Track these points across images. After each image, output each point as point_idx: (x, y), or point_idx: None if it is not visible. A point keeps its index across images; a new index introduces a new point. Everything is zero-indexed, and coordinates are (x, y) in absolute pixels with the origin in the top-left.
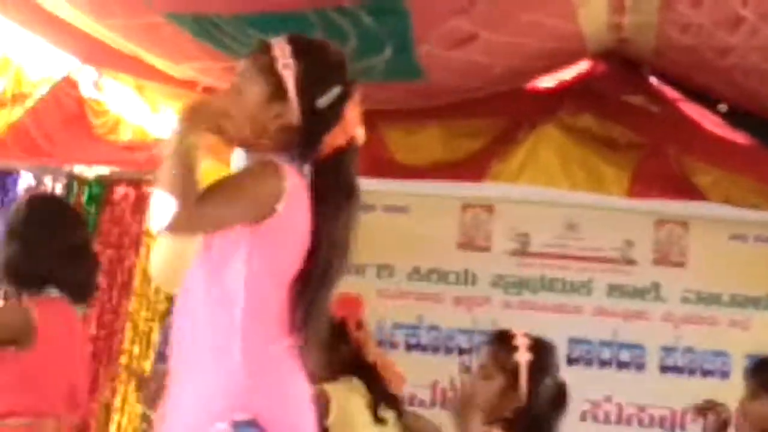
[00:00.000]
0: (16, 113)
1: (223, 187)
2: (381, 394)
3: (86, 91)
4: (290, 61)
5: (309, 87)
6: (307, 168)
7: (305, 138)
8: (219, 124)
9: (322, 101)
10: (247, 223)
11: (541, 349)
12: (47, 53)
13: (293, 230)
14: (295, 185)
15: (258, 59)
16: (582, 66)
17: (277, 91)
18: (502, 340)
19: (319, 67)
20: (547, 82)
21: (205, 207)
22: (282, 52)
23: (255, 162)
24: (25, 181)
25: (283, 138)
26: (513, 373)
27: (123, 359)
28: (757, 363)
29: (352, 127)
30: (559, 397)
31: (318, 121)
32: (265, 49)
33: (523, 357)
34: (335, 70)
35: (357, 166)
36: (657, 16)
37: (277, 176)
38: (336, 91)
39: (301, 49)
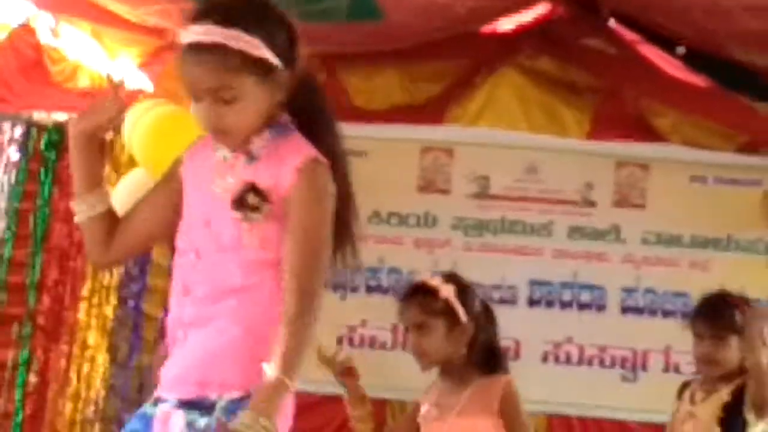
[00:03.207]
0: None
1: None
2: None
3: (44, 38)
4: (253, 39)
5: (279, 42)
6: None
7: (290, 75)
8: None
9: (290, 42)
10: None
11: (454, 277)
12: (3, 0)
13: None
14: None
15: (224, 65)
16: (541, 9)
17: (265, 70)
18: (418, 290)
19: (265, 15)
20: (506, 25)
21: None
22: (236, 38)
23: (308, 181)
24: None
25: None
26: (448, 311)
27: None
28: (707, 307)
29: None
30: (491, 314)
31: (290, 55)
32: (218, 50)
33: (447, 292)
34: (273, 8)
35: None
36: None
37: (328, 176)
38: (290, 24)
39: (246, 20)
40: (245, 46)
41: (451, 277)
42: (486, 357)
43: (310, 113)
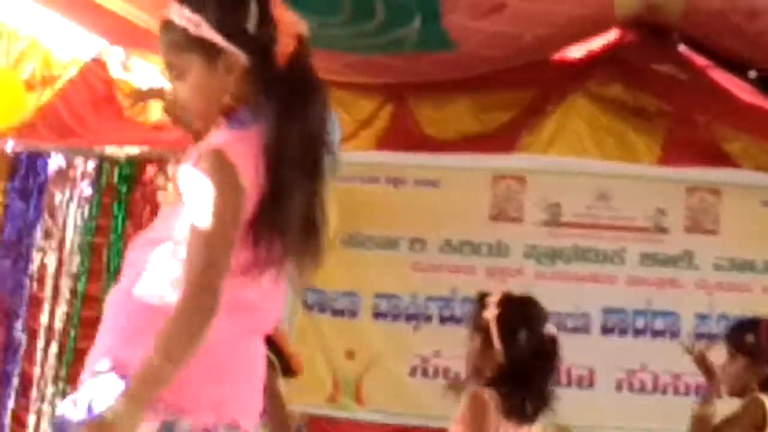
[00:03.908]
0: (46, 95)
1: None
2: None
3: (115, 71)
4: (195, 17)
5: (230, 22)
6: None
7: (259, 64)
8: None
9: (250, 24)
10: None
11: (510, 303)
12: (75, 35)
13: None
14: (239, 151)
15: (170, 41)
16: (611, 35)
17: (209, 50)
18: (477, 301)
19: (221, 3)
20: (575, 52)
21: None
22: (181, 15)
23: (204, 169)
24: (55, 163)
25: (246, 86)
26: (486, 330)
27: None
28: (733, 326)
29: (292, 26)
30: (542, 350)
31: (260, 42)
32: (167, 26)
33: (490, 313)
34: None
35: (311, 59)
36: None
37: (225, 168)
38: (253, 5)
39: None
40: (186, 24)
41: (508, 301)
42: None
43: (286, 100)
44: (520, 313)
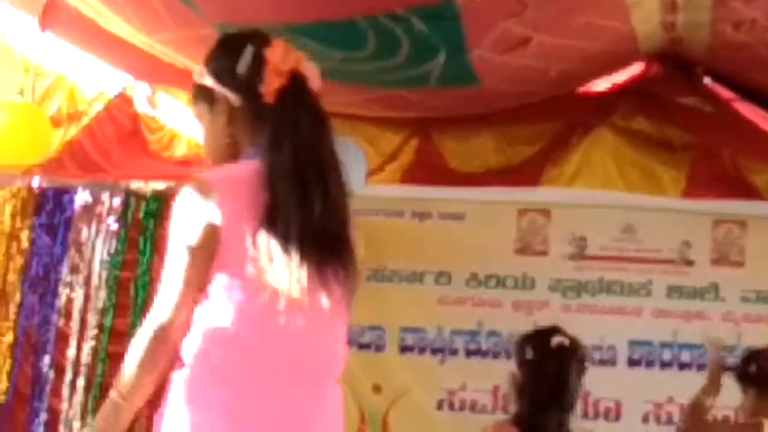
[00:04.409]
0: (72, 131)
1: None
2: None
3: (141, 107)
4: (201, 68)
5: (222, 68)
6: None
7: (246, 101)
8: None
9: (240, 66)
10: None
11: (534, 332)
12: (101, 71)
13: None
14: (222, 182)
15: (192, 94)
16: (635, 68)
17: (210, 97)
18: None
19: (225, 47)
20: (600, 85)
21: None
22: (196, 69)
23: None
24: (81, 199)
25: (240, 125)
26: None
27: None
28: (737, 362)
29: (282, 65)
30: (550, 360)
31: (244, 81)
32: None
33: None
34: (241, 38)
35: (312, 94)
36: (710, 13)
37: (197, 205)
38: (249, 49)
39: (210, 52)
40: (195, 76)
41: (534, 332)
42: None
43: (275, 132)
44: (530, 333)
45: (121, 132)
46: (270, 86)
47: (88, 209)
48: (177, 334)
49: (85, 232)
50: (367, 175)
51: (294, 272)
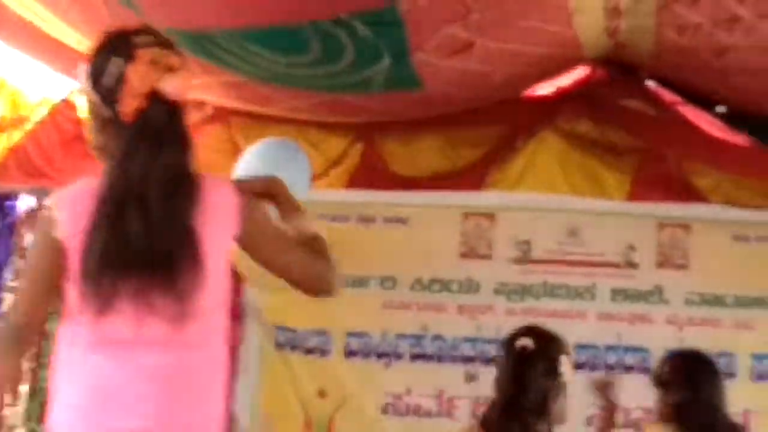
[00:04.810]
0: (15, 137)
1: None
2: None
3: (84, 112)
4: (84, 68)
5: (96, 74)
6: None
7: (111, 113)
8: None
9: (105, 79)
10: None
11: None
12: (45, 76)
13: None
14: (67, 200)
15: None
16: (580, 72)
17: (90, 102)
18: None
19: (97, 56)
20: (545, 88)
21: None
22: (79, 70)
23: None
24: (25, 204)
25: (110, 135)
26: None
27: None
28: (670, 356)
29: (141, 86)
30: (508, 362)
31: (104, 97)
32: None
33: None
34: (112, 47)
35: (171, 112)
36: (653, 18)
37: (44, 219)
38: (115, 62)
39: (92, 51)
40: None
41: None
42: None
43: (126, 148)
44: (509, 334)
45: (65, 137)
46: (126, 107)
47: (32, 214)
48: (23, 331)
49: (28, 237)
50: (312, 180)
51: (93, 294)
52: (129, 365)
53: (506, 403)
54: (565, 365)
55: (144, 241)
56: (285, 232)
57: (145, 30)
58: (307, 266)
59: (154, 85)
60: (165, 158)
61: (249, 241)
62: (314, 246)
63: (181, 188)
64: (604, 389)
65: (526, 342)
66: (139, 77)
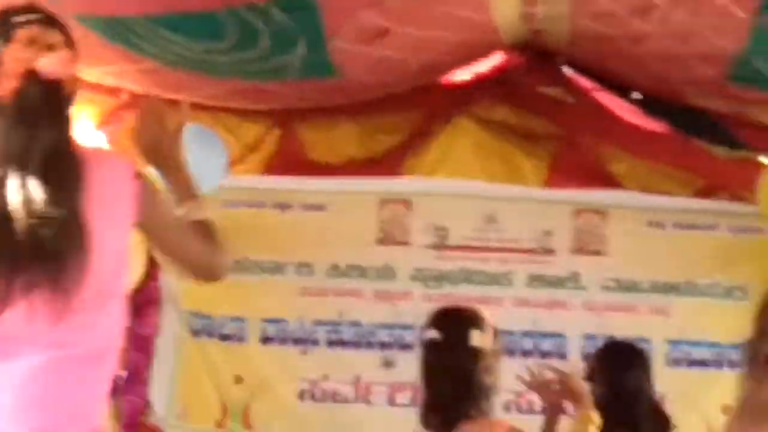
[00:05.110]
0: None
1: None
2: None
3: None
4: None
5: None
6: None
7: None
8: None
9: None
10: None
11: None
12: None
13: None
14: None
15: None
16: (497, 58)
17: None
18: None
19: None
20: (462, 75)
21: None
22: None
23: None
24: None
25: None
26: None
27: None
28: (602, 348)
29: (16, 66)
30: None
31: None
32: None
33: None
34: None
35: (50, 92)
36: (569, 6)
37: None
38: None
39: None
40: None
41: None
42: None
43: (6, 129)
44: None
45: None
46: (3, 89)
47: None
48: None
49: None
50: (228, 166)
51: None
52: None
53: (424, 394)
54: (477, 337)
55: (27, 229)
56: (179, 217)
57: (28, 8)
58: (199, 252)
59: (31, 65)
60: (42, 139)
61: (145, 224)
62: (205, 232)
63: (60, 168)
64: (538, 389)
65: (431, 334)
66: (14, 57)
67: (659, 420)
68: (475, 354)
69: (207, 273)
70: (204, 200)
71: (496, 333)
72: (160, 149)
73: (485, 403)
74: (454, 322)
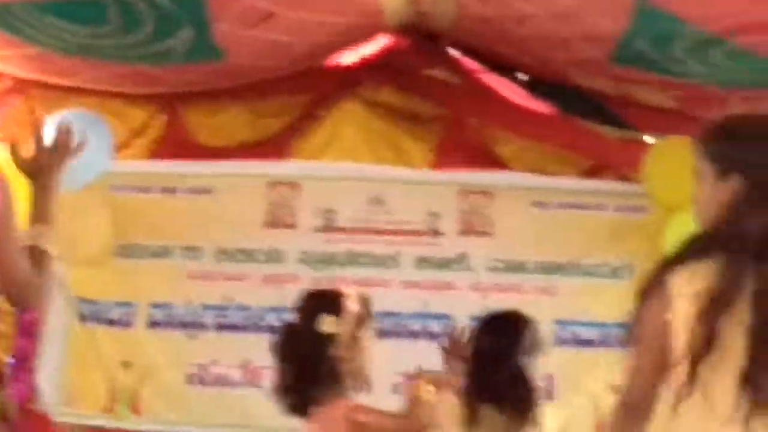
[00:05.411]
0: None
1: None
2: None
3: None
4: None
5: None
6: None
7: None
8: None
9: None
10: None
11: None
12: None
13: None
14: None
15: None
16: (383, 41)
17: None
18: None
19: None
20: (348, 57)
21: None
22: None
23: None
24: None
25: None
26: None
27: None
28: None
29: None
30: None
31: None
32: None
33: None
34: None
35: None
36: None
37: None
38: None
39: None
40: None
41: None
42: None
43: None
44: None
45: None
46: None
47: None
48: None
49: None
50: (114, 151)
51: None
52: None
53: (280, 382)
54: (327, 323)
55: None
56: (22, 233)
57: None
58: (24, 273)
59: None
60: None
61: None
62: (38, 258)
63: None
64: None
65: (291, 317)
66: None
67: (524, 391)
68: (324, 340)
69: (20, 295)
70: (50, 232)
71: (363, 318)
72: (38, 162)
73: (339, 388)
74: (307, 307)
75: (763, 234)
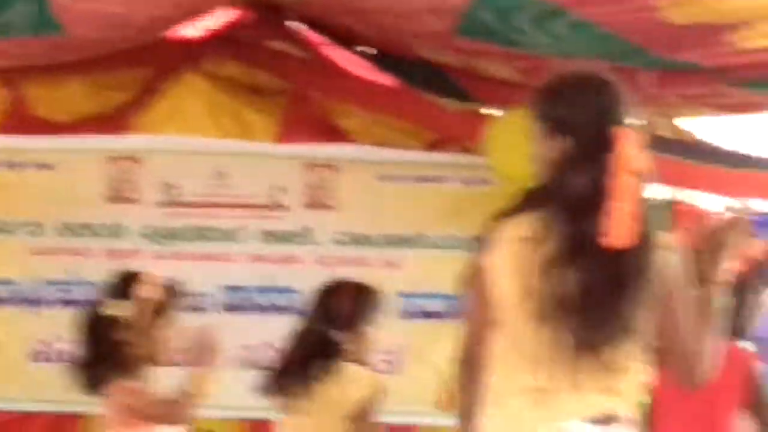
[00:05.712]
0: None
1: None
2: None
3: None
4: None
5: None
6: None
7: None
8: None
9: None
10: None
11: None
12: None
13: None
14: None
15: None
16: (225, 13)
17: None
18: None
19: None
20: (190, 30)
21: None
22: None
23: None
24: None
25: None
26: None
27: None
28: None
29: None
30: None
31: None
32: None
33: None
34: None
35: None
36: None
37: None
38: None
39: None
40: None
41: None
42: None
43: None
44: None
45: None
46: None
47: None
48: None
49: None
50: None
51: None
52: None
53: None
54: (111, 307)
55: None
56: None
57: None
58: None
59: None
60: None
61: None
62: None
63: None
64: None
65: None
66: None
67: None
68: (111, 323)
69: None
70: None
71: (162, 305)
72: None
73: (123, 371)
74: (105, 289)
75: (583, 191)
